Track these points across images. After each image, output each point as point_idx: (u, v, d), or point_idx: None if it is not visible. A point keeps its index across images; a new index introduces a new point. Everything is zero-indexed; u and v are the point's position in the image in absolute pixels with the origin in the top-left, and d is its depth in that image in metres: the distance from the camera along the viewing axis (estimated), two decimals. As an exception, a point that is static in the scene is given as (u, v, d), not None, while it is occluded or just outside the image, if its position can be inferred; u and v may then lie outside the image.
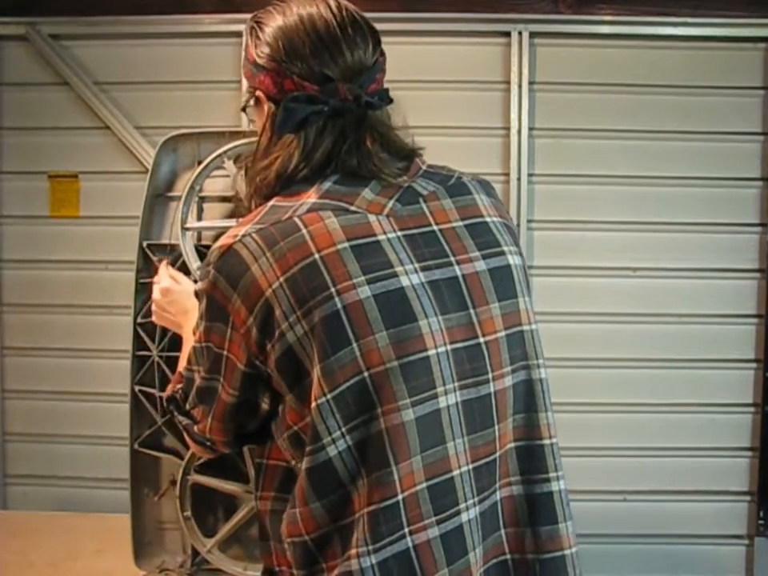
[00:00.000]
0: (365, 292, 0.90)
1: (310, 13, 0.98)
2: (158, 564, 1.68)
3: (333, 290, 0.90)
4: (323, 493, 0.90)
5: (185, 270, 1.67)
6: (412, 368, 0.90)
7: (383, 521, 0.88)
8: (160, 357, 1.72)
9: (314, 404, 0.89)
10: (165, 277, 1.37)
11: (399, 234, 0.95)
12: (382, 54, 1.03)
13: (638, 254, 2.52)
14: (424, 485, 0.89)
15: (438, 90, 2.49)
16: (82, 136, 2.53)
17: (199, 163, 1.69)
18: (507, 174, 2.49)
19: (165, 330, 1.73)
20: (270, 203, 0.97)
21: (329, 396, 0.89)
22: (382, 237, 0.93)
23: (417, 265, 0.94)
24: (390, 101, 1.03)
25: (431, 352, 0.91)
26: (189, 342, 1.17)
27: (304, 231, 0.91)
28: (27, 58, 2.52)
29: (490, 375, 0.95)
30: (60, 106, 2.52)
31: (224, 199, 1.75)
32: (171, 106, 2.50)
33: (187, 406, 1.05)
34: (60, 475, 2.59)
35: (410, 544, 0.88)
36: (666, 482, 2.54)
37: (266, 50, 0.98)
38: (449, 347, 0.93)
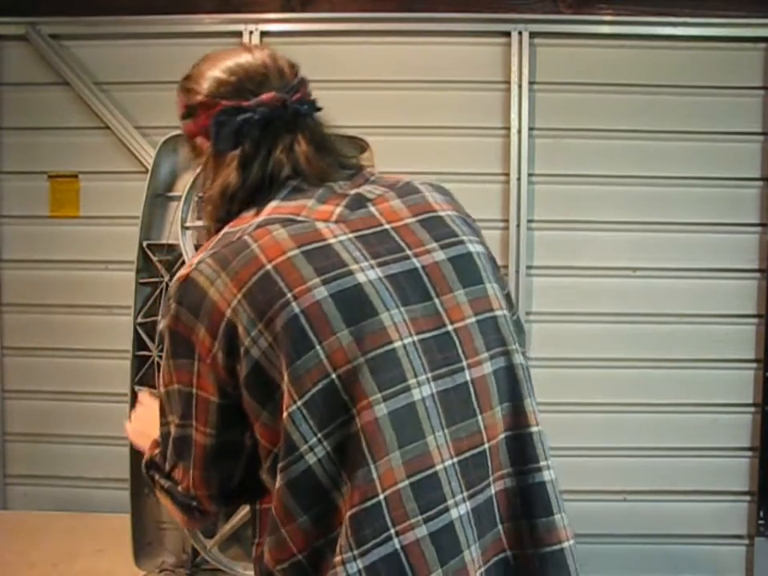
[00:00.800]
0: (321, 293, 0.89)
1: (231, 55, 1.04)
2: (158, 564, 1.68)
3: (289, 295, 0.89)
4: (307, 504, 0.87)
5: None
6: (379, 362, 0.88)
7: (366, 523, 0.85)
8: (160, 357, 1.71)
9: (285, 413, 0.87)
10: (147, 399, 1.36)
11: (350, 235, 0.94)
12: (299, 75, 1.06)
13: (637, 254, 2.52)
14: (406, 482, 0.86)
15: (438, 90, 2.49)
16: (82, 136, 2.53)
17: (199, 163, 1.69)
18: (507, 174, 2.49)
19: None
20: (222, 231, 0.98)
21: (299, 403, 0.87)
22: (332, 240, 0.93)
23: (372, 261, 0.93)
24: (319, 109, 1.06)
25: (397, 344, 0.89)
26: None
27: (254, 246, 0.92)
28: (27, 57, 2.52)
29: (465, 363, 0.93)
30: (60, 106, 2.52)
31: (224, 199, 1.75)
32: (171, 106, 2.48)
33: (167, 467, 1.01)
34: (60, 475, 2.59)
35: (398, 545, 0.85)
36: (666, 482, 2.54)
37: (195, 91, 1.03)
38: (415, 338, 0.91)
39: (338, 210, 0.97)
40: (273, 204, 0.97)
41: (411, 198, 1.01)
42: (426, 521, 0.86)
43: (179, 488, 1.00)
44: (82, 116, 2.52)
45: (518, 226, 2.49)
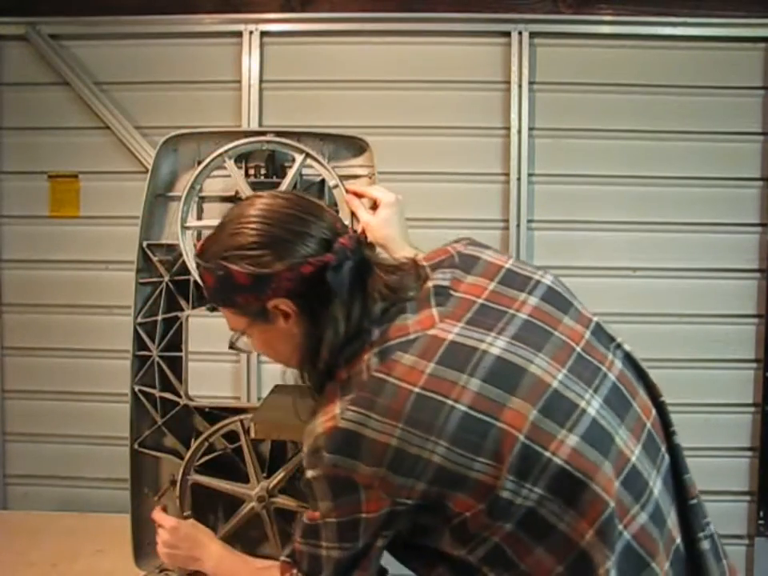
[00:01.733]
0: (474, 384, 0.96)
1: (267, 208, 1.04)
2: (158, 564, 1.68)
3: (449, 402, 0.95)
4: (539, 537, 0.96)
5: (185, 269, 1.67)
6: (549, 405, 0.97)
7: (609, 531, 0.94)
8: (160, 357, 1.71)
9: (493, 489, 0.94)
10: (166, 518, 1.44)
11: (460, 325, 1.02)
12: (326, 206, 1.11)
13: (637, 254, 2.52)
14: (619, 483, 0.97)
15: (437, 90, 2.49)
16: (82, 136, 2.53)
17: (199, 163, 1.69)
18: (507, 174, 2.49)
19: (165, 330, 1.73)
20: (338, 382, 1.01)
21: (503, 473, 0.94)
22: (451, 336, 1.00)
23: (493, 334, 1.02)
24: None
25: (555, 384, 0.99)
26: (218, 568, 1.29)
27: (391, 380, 0.97)
28: (27, 57, 2.52)
29: (604, 369, 1.06)
30: (60, 106, 2.52)
31: (224, 199, 1.75)
32: (171, 106, 2.50)
33: None
34: (60, 475, 2.59)
35: (629, 536, 0.96)
36: (666, 482, 2.54)
37: (263, 257, 1.01)
38: (563, 371, 1.01)
39: (435, 311, 1.04)
40: (376, 335, 1.02)
41: (476, 268, 1.11)
42: (642, 507, 0.99)
43: None
44: (82, 116, 2.52)
45: (518, 225, 2.49)
